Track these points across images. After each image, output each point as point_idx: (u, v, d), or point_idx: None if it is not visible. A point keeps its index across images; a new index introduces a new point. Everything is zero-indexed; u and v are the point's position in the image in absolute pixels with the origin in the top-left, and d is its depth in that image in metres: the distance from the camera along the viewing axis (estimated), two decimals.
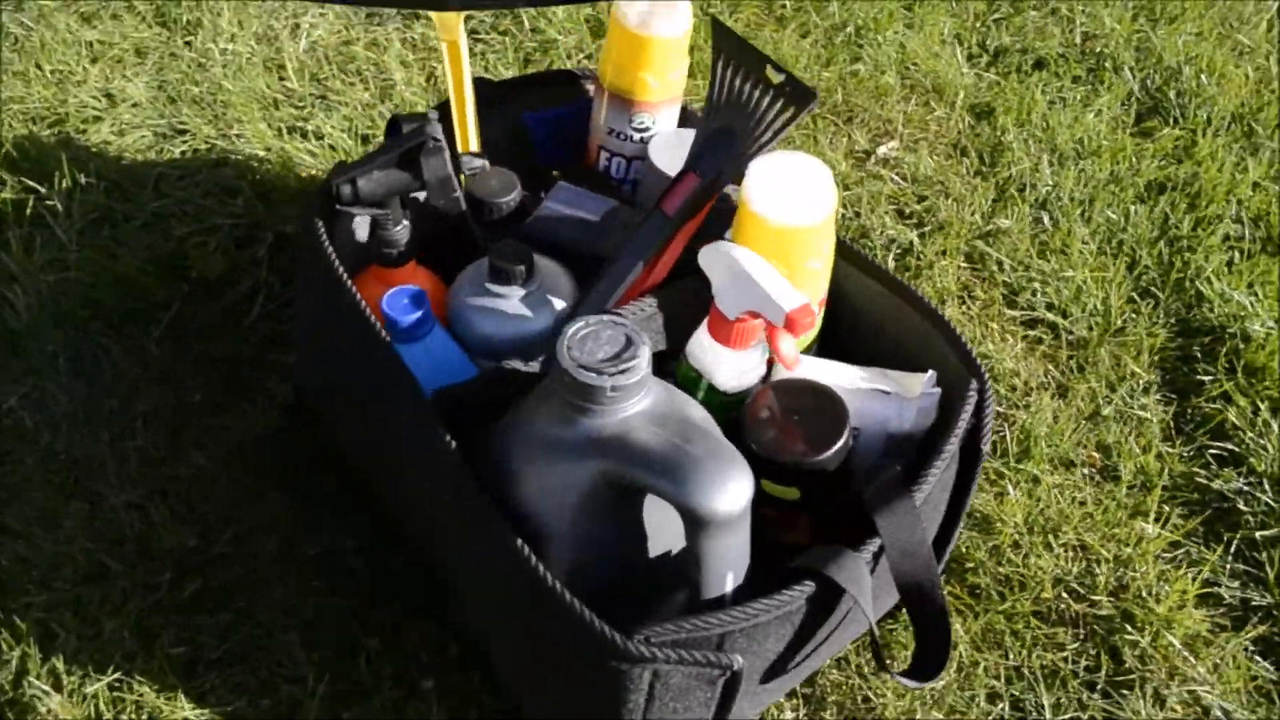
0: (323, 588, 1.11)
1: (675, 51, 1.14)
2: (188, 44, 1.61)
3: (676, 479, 0.84)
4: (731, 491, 0.84)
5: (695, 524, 0.85)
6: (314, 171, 1.47)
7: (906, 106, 1.62)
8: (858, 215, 1.47)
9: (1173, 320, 1.39)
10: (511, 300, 1.07)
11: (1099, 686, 1.10)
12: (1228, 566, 1.18)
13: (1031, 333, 1.37)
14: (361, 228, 1.13)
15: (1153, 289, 1.42)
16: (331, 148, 1.49)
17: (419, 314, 1.04)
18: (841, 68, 1.66)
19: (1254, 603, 1.16)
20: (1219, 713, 1.08)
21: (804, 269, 1.02)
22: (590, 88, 1.25)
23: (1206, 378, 1.33)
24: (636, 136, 1.19)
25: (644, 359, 0.88)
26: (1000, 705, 1.08)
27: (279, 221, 1.40)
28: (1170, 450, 1.27)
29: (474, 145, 1.20)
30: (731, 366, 1.00)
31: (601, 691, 0.88)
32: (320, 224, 1.06)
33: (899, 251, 1.43)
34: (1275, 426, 1.28)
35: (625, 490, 0.88)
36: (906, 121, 1.60)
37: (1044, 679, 1.09)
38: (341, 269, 1.03)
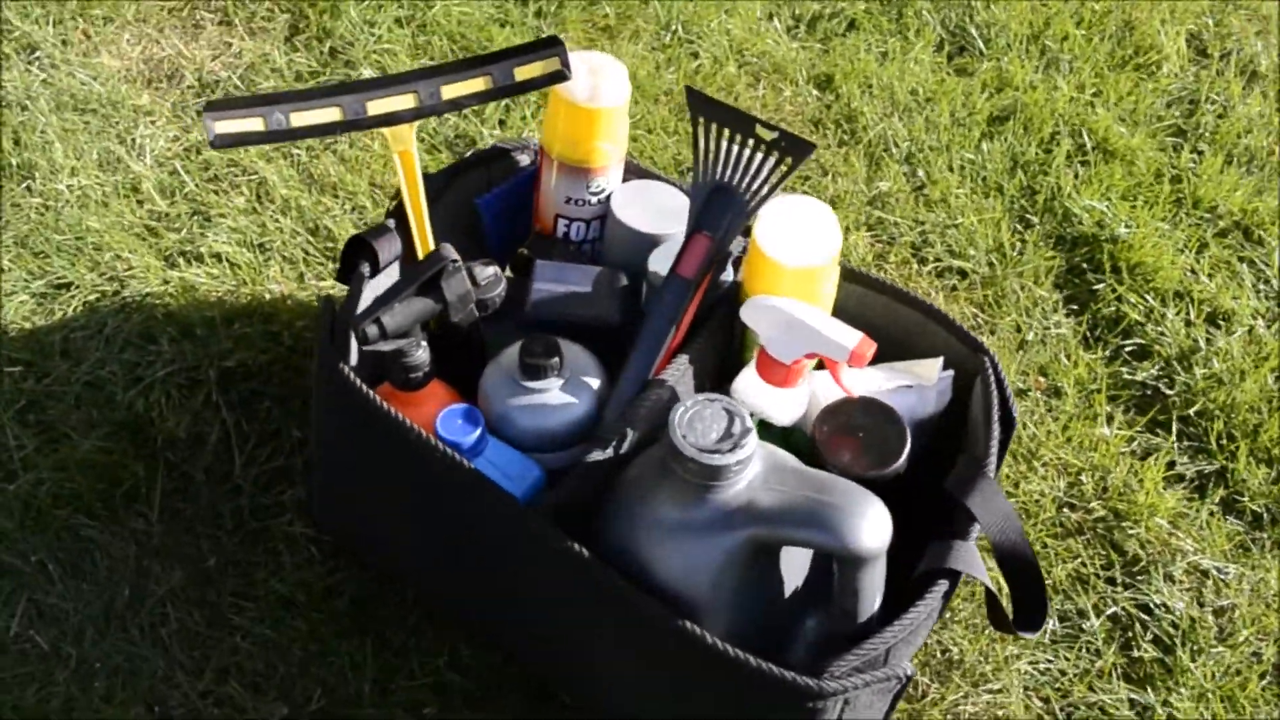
0: (437, 714, 1.12)
1: (622, 117, 1.18)
2: (27, 189, 1.49)
3: (828, 529, 0.91)
4: (877, 527, 0.92)
5: (851, 563, 0.93)
6: (221, 294, 1.40)
7: (757, 92, 1.71)
8: None
9: (1053, 240, 1.57)
10: (552, 392, 1.09)
11: (1119, 580, 1.26)
12: (1176, 446, 1.38)
13: (946, 281, 1.51)
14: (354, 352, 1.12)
15: (1028, 216, 1.59)
16: (233, 265, 1.43)
17: (478, 430, 1.05)
18: (685, 65, 1.73)
19: (1205, 470, 1.36)
20: (1215, 573, 1.27)
21: (820, 300, 1.10)
22: (523, 159, 1.27)
23: (1098, 285, 1.51)
24: (594, 200, 1.22)
25: (753, 429, 0.94)
26: (1049, 624, 1.22)
27: (213, 356, 1.34)
28: (1093, 357, 1.45)
29: (432, 246, 1.20)
30: (788, 403, 1.07)
31: None
32: (347, 370, 1.04)
33: None
34: (1168, 313, 1.48)
35: (767, 549, 0.95)
36: (763, 107, 1.70)
37: (1075, 586, 1.25)
38: (391, 410, 1.02)
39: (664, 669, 0.98)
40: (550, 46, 1.10)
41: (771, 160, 1.05)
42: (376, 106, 1.09)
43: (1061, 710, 1.18)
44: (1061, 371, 1.43)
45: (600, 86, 1.15)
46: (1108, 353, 1.46)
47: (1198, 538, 1.30)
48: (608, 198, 1.22)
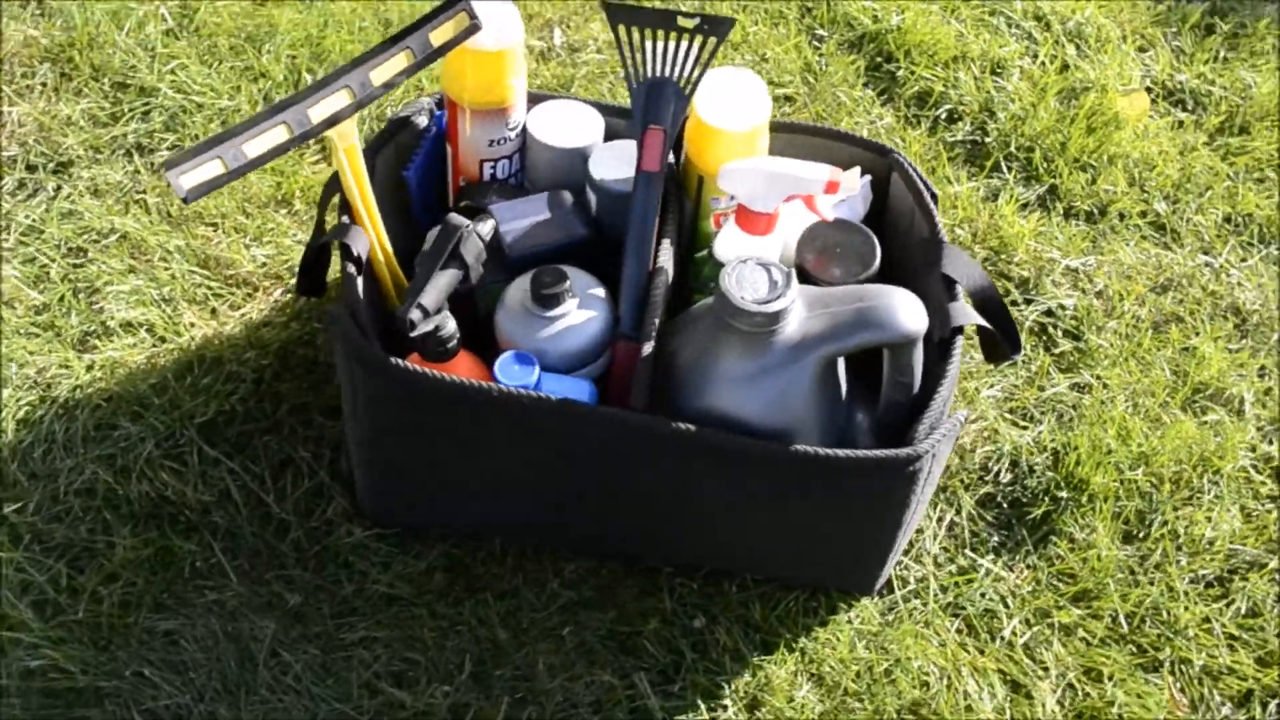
0: (574, 631, 1.23)
1: (522, 49, 1.25)
2: None
3: (881, 325, 1.08)
4: (916, 309, 1.09)
5: (903, 348, 1.10)
6: (150, 358, 1.37)
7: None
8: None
9: (847, 46, 1.76)
10: (571, 314, 1.19)
11: (1020, 301, 1.51)
12: (1012, 181, 1.63)
13: (780, 109, 1.68)
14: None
15: (817, 31, 1.78)
16: (146, 327, 1.39)
17: (535, 366, 1.14)
18: None
19: (1041, 192, 1.62)
20: (1082, 268, 1.55)
21: (765, 153, 1.25)
22: (423, 121, 1.31)
23: (898, 72, 1.73)
24: (514, 135, 1.29)
25: (791, 272, 1.08)
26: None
27: (183, 417, 1.32)
28: (919, 134, 1.67)
29: (384, 233, 1.24)
30: (770, 248, 1.21)
31: (892, 498, 1.13)
32: (403, 364, 1.09)
33: None
34: (960, 76, 1.72)
35: (831, 365, 1.10)
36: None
37: None
38: (468, 381, 1.09)
39: (775, 500, 1.13)
40: (455, 4, 1.15)
41: (697, 43, 1.17)
42: (318, 112, 1.12)
43: (1028, 413, 1.42)
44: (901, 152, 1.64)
45: (499, 28, 1.21)
46: (928, 126, 1.68)
47: (1061, 246, 1.57)
48: (524, 129, 1.30)
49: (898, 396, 1.14)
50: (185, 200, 1.05)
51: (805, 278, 1.21)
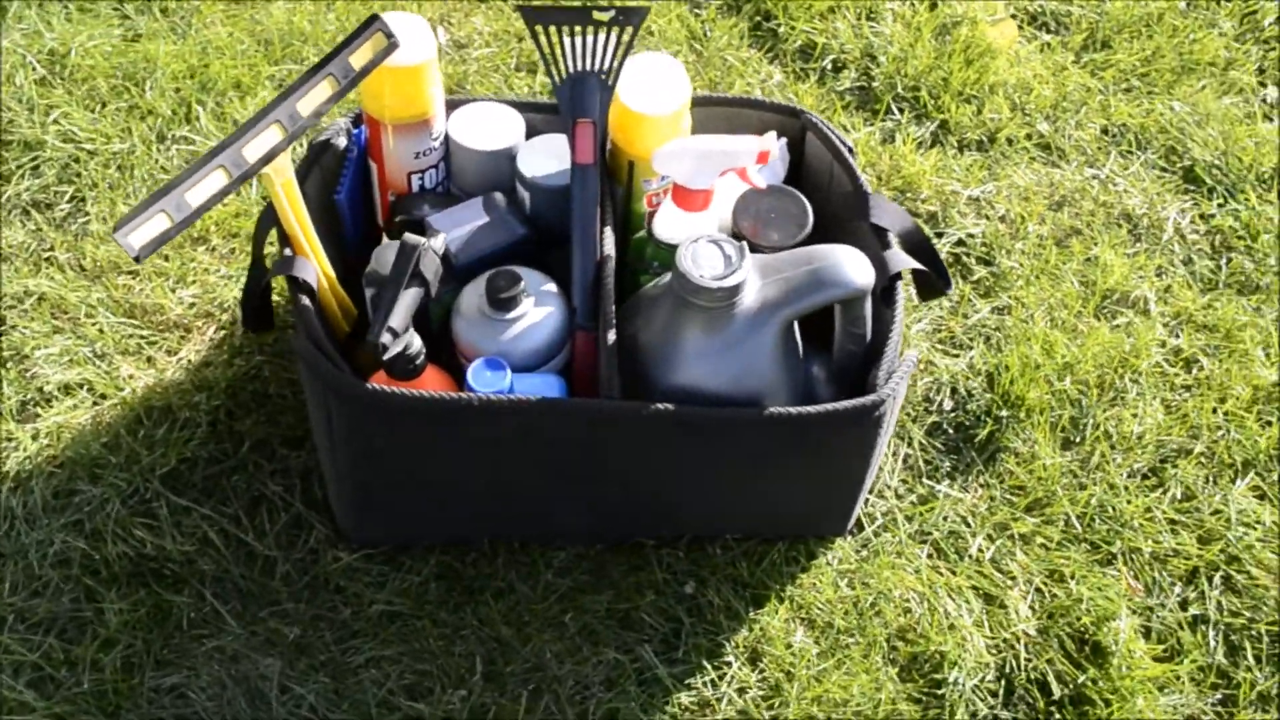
0: (575, 617, 1.26)
1: (436, 61, 1.25)
2: None
3: (833, 284, 1.13)
4: (862, 265, 1.15)
5: (855, 301, 1.15)
6: (94, 417, 1.34)
7: None
8: None
9: (726, 9, 1.80)
10: (529, 313, 1.21)
11: (930, 234, 1.59)
12: (904, 120, 1.70)
13: None
14: None
15: None
16: (85, 387, 1.36)
17: (506, 371, 1.16)
18: None
19: (933, 129, 1.70)
20: (981, 196, 1.63)
21: (687, 132, 1.28)
22: (343, 141, 1.31)
23: (779, 27, 1.78)
24: (437, 145, 1.30)
25: (743, 244, 1.12)
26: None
27: (143, 471, 1.30)
28: (808, 86, 1.73)
29: (325, 260, 1.24)
30: (708, 222, 1.25)
31: (861, 442, 1.19)
32: (380, 388, 1.10)
33: None
34: (837, 25, 1.77)
35: (788, 326, 1.16)
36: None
37: None
38: (448, 394, 1.10)
39: (754, 462, 1.18)
40: (369, 25, 1.15)
41: (614, 34, 1.19)
42: (252, 151, 1.11)
43: (958, 341, 1.50)
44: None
45: (413, 43, 1.22)
46: (816, 78, 1.74)
47: (960, 178, 1.65)
48: (445, 137, 1.31)
49: (852, 346, 1.20)
50: (138, 259, 1.04)
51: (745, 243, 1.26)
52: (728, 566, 1.30)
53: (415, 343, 1.15)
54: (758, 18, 1.80)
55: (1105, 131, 1.73)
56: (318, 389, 1.14)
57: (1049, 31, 1.85)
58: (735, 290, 1.11)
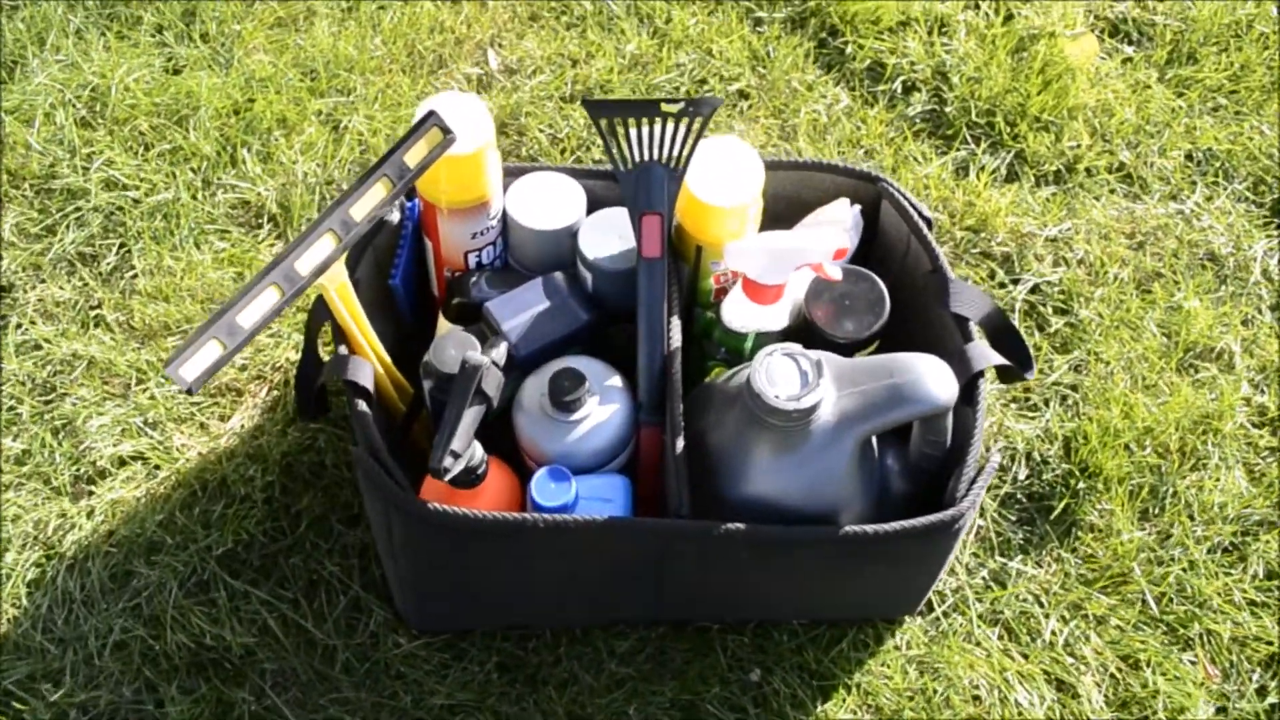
0: (639, 707, 1.25)
1: (494, 144, 1.19)
2: None
3: (914, 401, 1.08)
4: (946, 379, 1.09)
5: (939, 415, 1.10)
6: (149, 491, 1.32)
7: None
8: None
9: (790, 26, 1.71)
10: (594, 413, 1.16)
11: (1005, 282, 1.52)
12: (978, 150, 1.61)
13: (734, 105, 1.64)
14: None
15: (757, 14, 1.71)
16: (139, 459, 1.34)
17: (571, 483, 1.12)
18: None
19: (1008, 159, 1.61)
20: (1059, 235, 1.55)
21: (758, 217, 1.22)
22: (395, 216, 1.25)
23: (846, 47, 1.69)
24: (494, 224, 1.24)
25: (820, 359, 1.07)
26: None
27: (200, 552, 1.29)
28: (878, 111, 1.64)
29: (386, 357, 1.20)
30: (780, 312, 1.20)
31: (938, 551, 1.15)
32: (447, 510, 1.07)
33: None
34: (908, 43, 1.68)
35: (868, 438, 1.11)
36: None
37: None
38: (514, 517, 1.07)
39: (827, 572, 1.15)
40: (425, 122, 1.09)
41: (684, 124, 1.12)
42: (305, 264, 1.06)
43: (1032, 402, 1.44)
44: (865, 137, 1.61)
45: (470, 128, 1.15)
46: (886, 102, 1.65)
47: (1037, 216, 1.57)
48: (504, 212, 1.25)
49: (930, 450, 1.15)
50: (190, 392, 1.00)
51: (817, 333, 1.20)
52: (794, 653, 1.28)
53: (478, 454, 1.11)
54: (823, 34, 1.70)
55: (1190, 158, 1.64)
56: (378, 500, 1.11)
57: (1130, 43, 1.74)
58: (811, 410, 1.06)
